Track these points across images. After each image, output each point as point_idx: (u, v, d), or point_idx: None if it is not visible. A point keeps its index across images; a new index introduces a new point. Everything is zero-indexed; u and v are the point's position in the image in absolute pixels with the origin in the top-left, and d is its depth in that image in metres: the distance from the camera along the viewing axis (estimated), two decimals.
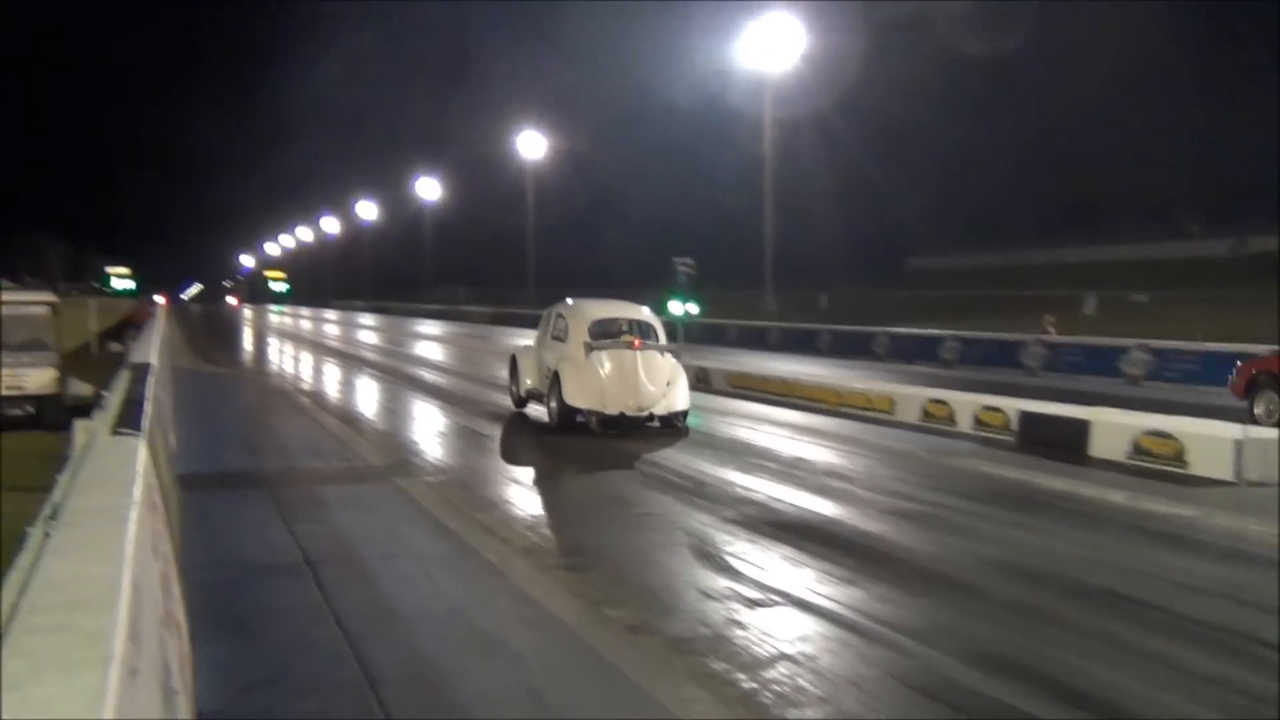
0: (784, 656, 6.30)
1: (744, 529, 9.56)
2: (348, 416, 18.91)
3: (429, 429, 17.67)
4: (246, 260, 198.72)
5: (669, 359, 15.99)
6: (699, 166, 77.48)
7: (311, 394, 23.50)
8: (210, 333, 54.15)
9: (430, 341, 45.08)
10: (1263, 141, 50.60)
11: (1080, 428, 13.48)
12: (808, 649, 6.44)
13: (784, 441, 15.14)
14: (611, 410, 15.35)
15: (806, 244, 65.39)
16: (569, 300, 17.81)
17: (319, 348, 42.76)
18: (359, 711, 5.34)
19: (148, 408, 7.88)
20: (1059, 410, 14.42)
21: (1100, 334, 27.31)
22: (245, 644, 6.41)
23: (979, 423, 15.12)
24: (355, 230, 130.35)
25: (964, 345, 28.61)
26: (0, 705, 2.12)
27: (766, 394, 19.97)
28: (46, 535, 3.77)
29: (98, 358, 32.31)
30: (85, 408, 13.64)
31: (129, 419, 7.02)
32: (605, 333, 16.07)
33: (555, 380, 15.79)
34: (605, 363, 15.51)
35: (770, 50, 45.74)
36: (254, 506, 10.51)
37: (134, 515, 3.91)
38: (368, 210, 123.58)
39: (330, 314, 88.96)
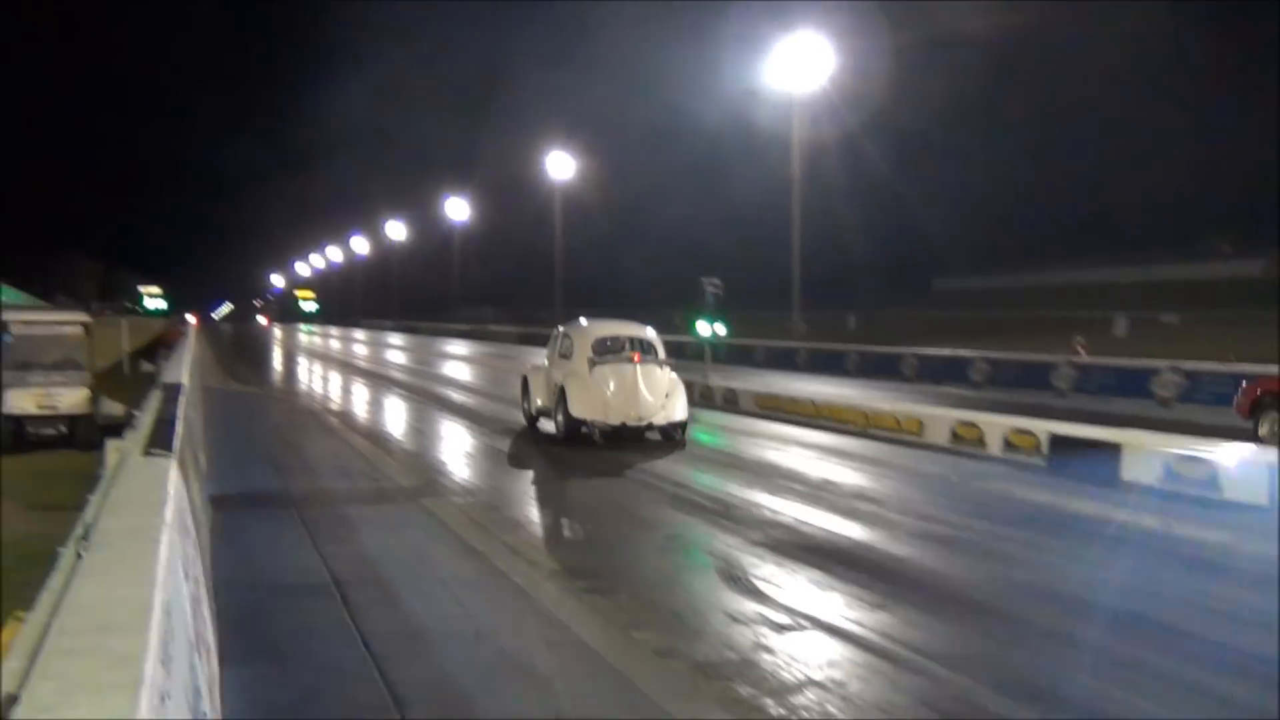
0: (812, 682, 6.26)
1: (771, 552, 9.51)
2: (376, 436, 18.98)
3: (456, 449, 17.71)
4: (277, 280, 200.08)
5: (667, 373, 16.88)
6: (726, 186, 77.64)
7: (340, 414, 23.61)
8: (240, 352, 54.49)
9: (458, 361, 45.20)
10: None
11: (1112, 451, 13.35)
12: (836, 675, 6.39)
13: (812, 463, 15.08)
14: (613, 421, 16.26)
15: (834, 264, 65.38)
16: (581, 320, 18.67)
17: (347, 367, 42.97)
18: None
19: (179, 428, 7.92)
20: (1090, 433, 14.27)
21: (1131, 355, 27.06)
22: (273, 666, 6.42)
23: (1009, 445, 15.01)
24: (384, 250, 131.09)
25: (993, 366, 28.40)
26: None
27: (794, 415, 19.89)
28: (78, 556, 3.79)
29: (130, 377, 32.56)
30: (117, 427, 13.74)
31: (161, 439, 7.06)
32: (608, 350, 16.94)
33: (561, 394, 16.71)
34: (607, 377, 16.45)
35: (798, 70, 45.75)
36: (283, 527, 10.56)
37: (165, 537, 3.93)
38: (397, 230, 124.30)
39: (359, 333, 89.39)
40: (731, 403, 21.83)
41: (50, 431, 19.66)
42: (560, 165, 73.01)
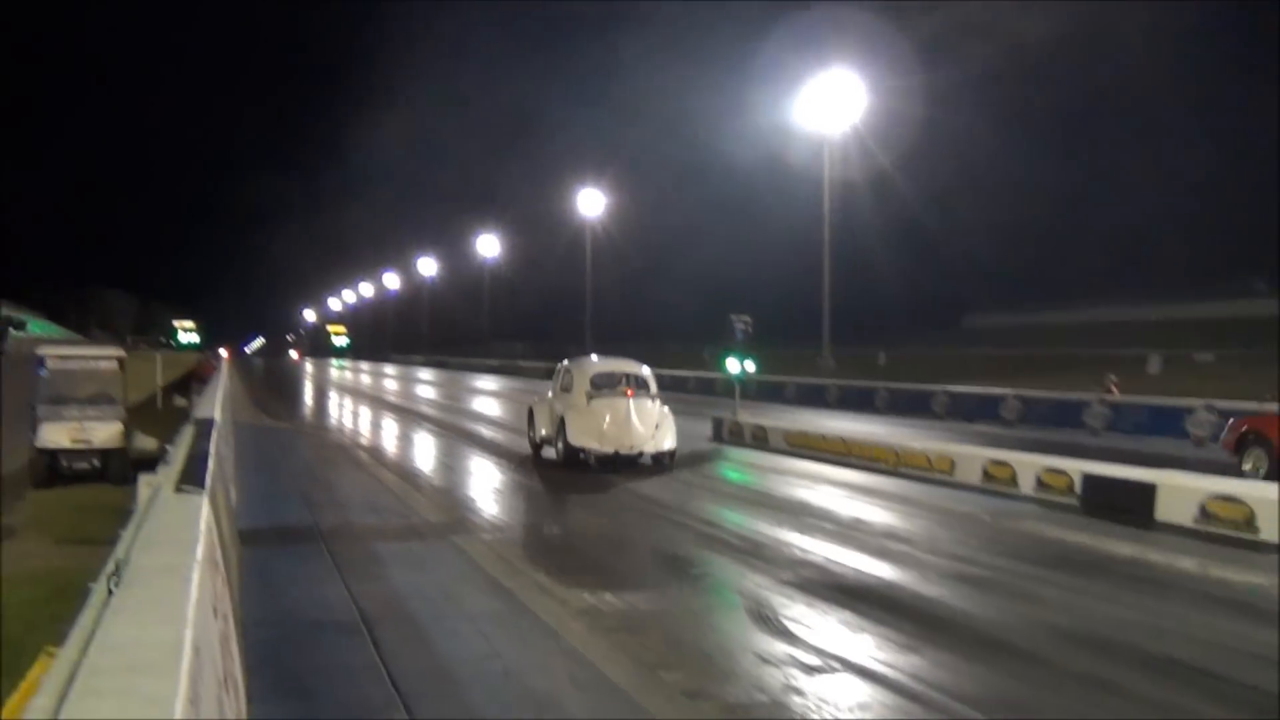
0: None
1: (801, 592, 9.44)
2: (405, 472, 19.03)
3: (485, 485, 17.72)
4: (309, 314, 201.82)
5: (658, 406, 18.43)
6: (757, 223, 77.62)
7: (370, 449, 23.69)
8: (271, 387, 54.85)
9: (487, 397, 45.32)
10: None
11: (1146, 491, 13.21)
12: (867, 717, 6.32)
13: (842, 501, 14.99)
14: (608, 449, 17.72)
15: (865, 301, 65.21)
16: (593, 357, 20.63)
17: (378, 402, 43.15)
18: None
19: (211, 464, 7.97)
20: (1124, 473, 14.13)
21: (1164, 394, 26.81)
22: (301, 704, 6.42)
23: (1041, 484, 14.87)
24: (416, 286, 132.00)
25: (1025, 404, 28.23)
26: None
27: (824, 452, 19.79)
28: (110, 592, 3.81)
29: (163, 411, 32.82)
30: (150, 462, 13.84)
31: (192, 475, 7.11)
32: (604, 384, 18.48)
33: (561, 424, 18.30)
34: (603, 409, 17.99)
35: (829, 109, 45.96)
36: (312, 563, 10.58)
37: (196, 576, 3.95)
38: (428, 266, 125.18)
39: (389, 369, 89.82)
40: (761, 440, 21.75)
41: (84, 465, 19.81)
42: (591, 202, 73.45)
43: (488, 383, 58.20)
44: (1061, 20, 59.09)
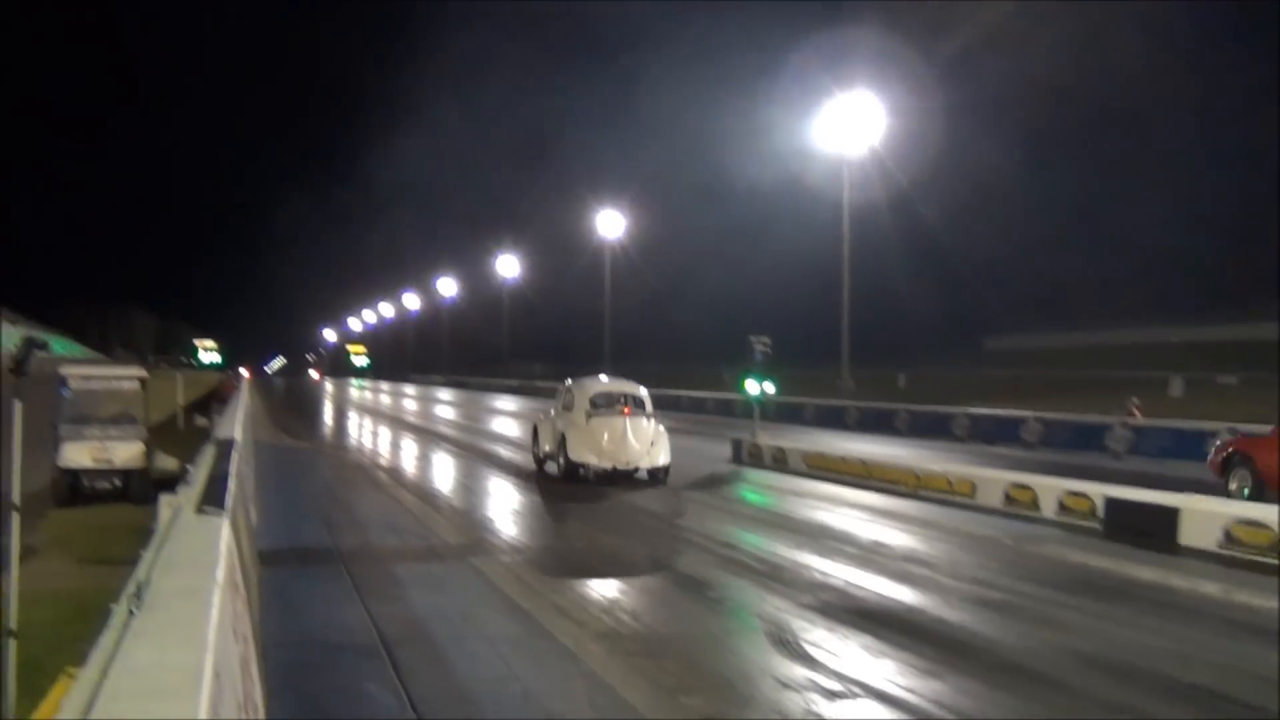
0: None
1: (822, 616, 9.39)
2: (425, 493, 19.05)
3: (504, 506, 17.71)
4: (329, 334, 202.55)
5: (654, 424, 19.33)
6: (776, 244, 77.63)
7: (389, 469, 23.73)
8: (292, 406, 55.03)
9: (506, 417, 45.32)
10: None
11: (1169, 515, 13.10)
12: None
13: (863, 524, 14.92)
14: (605, 464, 18.68)
15: (885, 323, 65.07)
16: (601, 377, 21.88)
17: (397, 422, 43.24)
18: None
19: (231, 485, 7.98)
20: (1147, 496, 14.01)
21: (1187, 417, 26.61)
22: None
23: (1064, 508, 14.77)
24: (435, 306, 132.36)
25: (1046, 427, 28.05)
26: None
27: (844, 475, 19.71)
28: (130, 614, 3.81)
29: (184, 431, 32.94)
30: (171, 482, 13.87)
31: (213, 496, 7.11)
32: (604, 403, 19.46)
33: (562, 441, 19.33)
34: (601, 427, 18.95)
35: (849, 130, 45.96)
36: (331, 584, 10.59)
37: (217, 599, 3.94)
38: (448, 286, 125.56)
39: (409, 388, 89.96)
40: (780, 462, 21.69)
41: (105, 485, 19.86)
42: (611, 223, 73.55)
43: (506, 403, 58.21)
44: (1084, 40, 59.15)
